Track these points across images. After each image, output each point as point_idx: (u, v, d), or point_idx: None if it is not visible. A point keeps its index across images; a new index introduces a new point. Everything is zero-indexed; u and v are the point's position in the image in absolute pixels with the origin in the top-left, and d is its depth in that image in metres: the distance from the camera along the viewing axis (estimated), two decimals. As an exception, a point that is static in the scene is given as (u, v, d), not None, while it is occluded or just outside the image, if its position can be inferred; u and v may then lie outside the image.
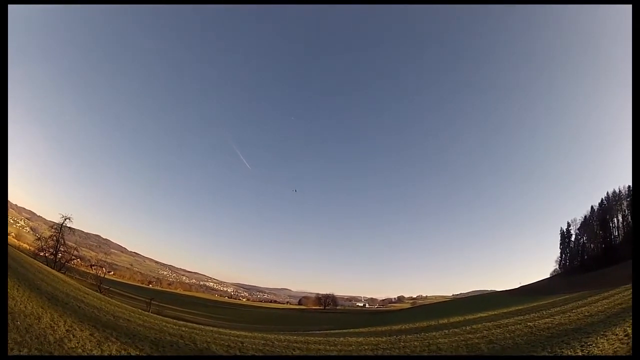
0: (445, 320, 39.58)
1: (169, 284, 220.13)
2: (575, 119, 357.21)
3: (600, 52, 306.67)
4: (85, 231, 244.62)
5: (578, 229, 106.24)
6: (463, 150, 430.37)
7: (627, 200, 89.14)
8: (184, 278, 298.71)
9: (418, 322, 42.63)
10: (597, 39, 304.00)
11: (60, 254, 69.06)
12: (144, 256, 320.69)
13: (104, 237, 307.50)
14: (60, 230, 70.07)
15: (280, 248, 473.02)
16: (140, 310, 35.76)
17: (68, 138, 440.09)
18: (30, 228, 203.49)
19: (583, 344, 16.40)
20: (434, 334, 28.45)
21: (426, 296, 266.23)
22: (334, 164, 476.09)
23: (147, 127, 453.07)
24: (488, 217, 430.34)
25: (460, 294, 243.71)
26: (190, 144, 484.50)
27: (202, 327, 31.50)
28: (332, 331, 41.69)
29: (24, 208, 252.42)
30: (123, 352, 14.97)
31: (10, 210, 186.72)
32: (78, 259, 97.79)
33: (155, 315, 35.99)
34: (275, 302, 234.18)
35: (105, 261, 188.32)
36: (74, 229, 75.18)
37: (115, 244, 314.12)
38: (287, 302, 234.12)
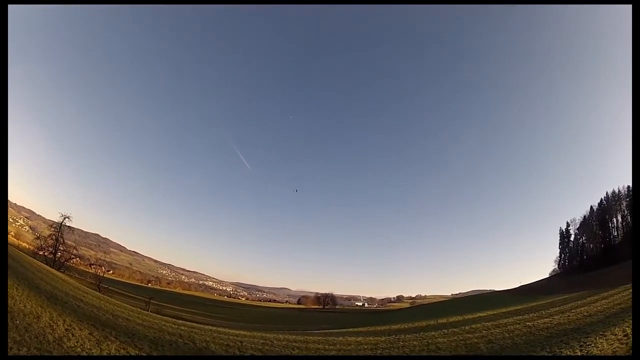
0: (444, 320, 39.61)
1: (168, 283, 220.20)
2: (575, 119, 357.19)
3: (600, 52, 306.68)
4: (85, 230, 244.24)
5: (577, 229, 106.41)
6: (463, 150, 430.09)
7: (626, 201, 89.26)
8: (183, 277, 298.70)
9: (417, 322, 42.64)
10: (597, 39, 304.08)
11: (59, 253, 68.99)
12: (143, 255, 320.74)
13: (103, 236, 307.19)
14: (60, 229, 69.99)
15: (279, 247, 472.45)
16: (139, 310, 35.72)
17: (68, 138, 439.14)
18: (30, 227, 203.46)
19: (582, 344, 16.41)
20: (433, 333, 28.45)
21: (425, 296, 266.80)
22: (334, 163, 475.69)
23: (147, 127, 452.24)
24: (487, 216, 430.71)
25: (460, 293, 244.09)
26: (190, 144, 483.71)
27: (201, 326, 31.46)
28: (331, 330, 41.72)
29: (23, 207, 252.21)
30: (122, 351, 14.95)
31: (9, 209, 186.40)
32: (77, 258, 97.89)
33: (154, 314, 35.97)
34: (274, 301, 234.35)
35: (104, 260, 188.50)
36: (73, 228, 75.17)
37: (115, 243, 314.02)
38: (286, 302, 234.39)
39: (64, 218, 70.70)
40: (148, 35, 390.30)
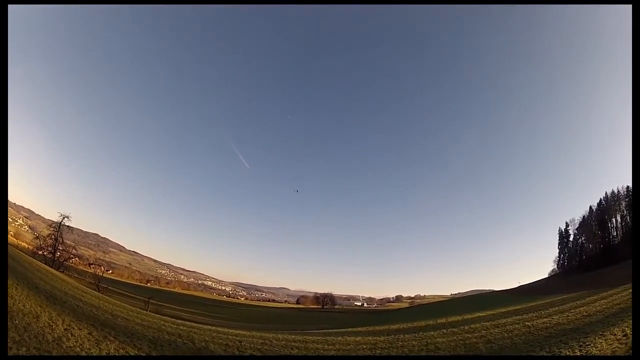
0: (444, 320, 39.60)
1: (168, 283, 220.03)
2: (574, 119, 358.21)
3: (600, 52, 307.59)
4: (84, 230, 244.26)
5: (576, 229, 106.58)
6: (463, 150, 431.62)
7: (625, 201, 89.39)
8: (183, 277, 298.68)
9: (416, 322, 42.62)
10: (597, 39, 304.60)
11: (58, 253, 68.82)
12: (142, 255, 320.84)
13: (102, 235, 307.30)
14: (59, 228, 69.83)
15: (279, 247, 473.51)
16: (138, 309, 35.70)
17: (68, 138, 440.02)
18: (29, 226, 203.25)
19: (581, 344, 16.42)
20: (432, 333, 28.45)
21: (424, 296, 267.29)
22: (334, 163, 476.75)
23: (147, 127, 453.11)
24: (487, 216, 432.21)
25: (459, 293, 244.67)
26: (190, 144, 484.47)
27: (201, 326, 31.45)
28: (330, 330, 41.70)
29: (22, 206, 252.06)
30: (121, 351, 14.93)
31: (8, 209, 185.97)
32: (76, 258, 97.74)
33: (153, 314, 35.93)
34: (273, 301, 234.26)
35: (103, 260, 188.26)
36: (72, 227, 75.01)
37: (114, 242, 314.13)
38: (286, 301, 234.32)
39: (63, 218, 70.59)
40: (148, 35, 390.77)
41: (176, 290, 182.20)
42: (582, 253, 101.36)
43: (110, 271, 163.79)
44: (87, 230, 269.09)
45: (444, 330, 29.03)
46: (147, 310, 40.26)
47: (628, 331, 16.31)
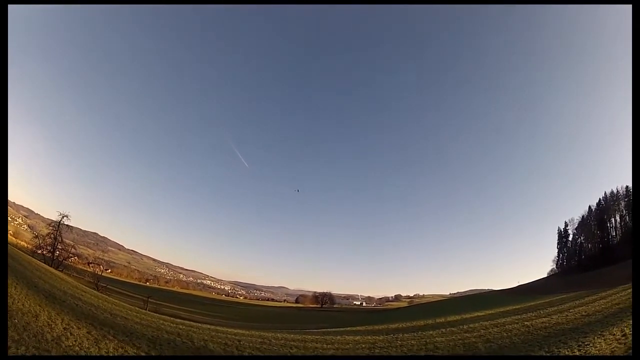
0: (443, 319, 39.62)
1: (167, 282, 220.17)
2: (574, 119, 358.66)
3: (600, 52, 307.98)
4: (83, 229, 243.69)
5: (575, 229, 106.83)
6: (462, 150, 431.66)
7: (624, 201, 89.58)
8: (182, 276, 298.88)
9: (415, 321, 42.64)
10: (597, 39, 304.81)
11: (57, 252, 68.74)
12: (141, 254, 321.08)
13: (101, 234, 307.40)
14: (58, 228, 69.72)
15: (278, 246, 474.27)
16: (137, 308, 35.66)
17: (68, 138, 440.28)
18: (28, 226, 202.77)
19: (580, 343, 16.44)
20: (431, 332, 28.47)
21: (423, 295, 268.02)
22: (334, 163, 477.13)
23: (147, 127, 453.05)
24: (486, 216, 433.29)
25: (458, 293, 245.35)
26: (190, 144, 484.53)
27: (200, 325, 31.42)
28: (329, 329, 41.71)
29: (21, 206, 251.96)
30: (120, 350, 14.90)
31: (8, 208, 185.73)
32: (75, 257, 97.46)
33: (152, 313, 35.92)
34: (272, 300, 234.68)
35: (102, 259, 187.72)
36: (71, 226, 74.88)
37: (113, 241, 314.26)
38: (285, 301, 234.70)
39: (63, 217, 70.46)
40: (148, 35, 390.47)
41: (175, 289, 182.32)
42: (581, 253, 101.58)
43: (109, 270, 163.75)
44: (87, 229, 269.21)
45: (443, 330, 29.05)
46: (146, 309, 40.25)
47: (627, 331, 16.33)
